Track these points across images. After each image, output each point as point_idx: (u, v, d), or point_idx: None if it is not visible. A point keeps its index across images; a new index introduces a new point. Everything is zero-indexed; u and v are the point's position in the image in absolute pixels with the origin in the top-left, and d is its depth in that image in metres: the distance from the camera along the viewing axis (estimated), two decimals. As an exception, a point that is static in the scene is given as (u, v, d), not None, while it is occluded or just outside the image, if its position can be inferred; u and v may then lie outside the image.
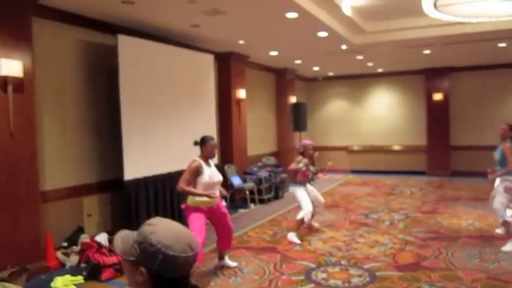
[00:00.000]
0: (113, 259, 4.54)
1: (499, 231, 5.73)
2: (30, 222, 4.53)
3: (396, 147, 12.40)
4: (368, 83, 12.68)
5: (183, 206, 4.38)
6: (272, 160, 9.96)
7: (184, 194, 4.31)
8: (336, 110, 13.17)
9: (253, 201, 8.23)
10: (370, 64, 10.64)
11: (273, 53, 8.72)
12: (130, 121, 5.64)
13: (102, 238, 5.10)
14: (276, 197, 8.84)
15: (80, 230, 5.29)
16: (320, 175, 11.84)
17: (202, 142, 4.36)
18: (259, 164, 9.48)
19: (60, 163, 5.32)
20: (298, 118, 11.08)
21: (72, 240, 5.16)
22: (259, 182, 8.39)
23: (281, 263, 4.84)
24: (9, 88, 4.33)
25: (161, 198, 6.11)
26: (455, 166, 11.56)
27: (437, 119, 11.56)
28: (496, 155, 5.31)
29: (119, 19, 5.72)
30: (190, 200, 4.26)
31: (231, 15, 5.63)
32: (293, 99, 11.44)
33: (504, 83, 11.16)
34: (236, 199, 8.26)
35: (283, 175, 9.04)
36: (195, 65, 7.08)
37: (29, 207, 4.53)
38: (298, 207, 6.01)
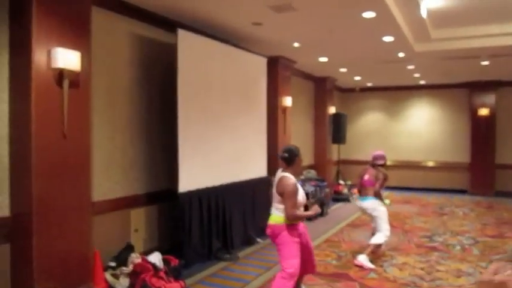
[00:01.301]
0: (175, 286, 3.92)
1: None
2: (79, 239, 3.91)
3: (434, 164, 11.75)
4: (407, 96, 12.08)
5: (272, 229, 3.73)
6: (313, 173, 9.33)
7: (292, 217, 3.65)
8: (372, 123, 12.56)
9: (298, 217, 7.58)
10: (416, 75, 10.05)
11: (322, 59, 8.16)
12: (187, 126, 5.05)
13: (156, 259, 4.49)
14: (321, 213, 8.19)
15: (130, 248, 4.67)
16: (355, 191, 11.17)
17: (293, 155, 3.74)
18: (302, 177, 8.86)
19: (109, 171, 4.73)
20: (337, 130, 10.46)
21: (121, 259, 4.54)
22: (306, 196, 7.74)
23: (364, 295, 4.20)
24: (65, 83, 3.75)
25: (214, 213, 5.48)
26: (500, 186, 10.88)
27: (482, 136, 10.91)
28: None
29: (176, 13, 5.17)
30: (285, 218, 3.64)
31: (302, 12, 5.07)
32: (332, 110, 10.85)
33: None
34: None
35: (327, 190, 8.41)
36: (249, 67, 6.51)
37: (79, 221, 3.91)
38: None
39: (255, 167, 6.68)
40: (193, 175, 5.17)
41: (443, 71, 9.38)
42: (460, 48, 7.06)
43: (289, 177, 3.63)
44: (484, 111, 10.86)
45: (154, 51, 5.32)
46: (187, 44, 5.04)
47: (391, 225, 7.26)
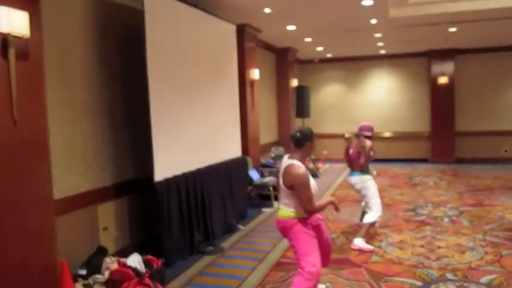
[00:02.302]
0: (167, 293, 3.29)
1: None
2: (41, 244, 3.14)
3: (396, 134, 11.71)
4: (367, 66, 11.86)
5: (282, 224, 3.18)
6: (281, 150, 8.84)
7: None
8: (333, 95, 12.25)
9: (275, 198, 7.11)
10: (380, 44, 9.77)
11: (290, 28, 7.58)
12: (160, 104, 4.32)
13: (136, 261, 3.80)
14: (295, 192, 7.77)
15: (102, 252, 3.93)
16: (320, 165, 10.91)
17: (305, 138, 3.16)
18: (272, 155, 8.36)
19: (70, 161, 3.92)
20: (301, 103, 10.01)
21: (92, 265, 3.80)
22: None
23: (377, 282, 3.79)
24: (11, 53, 2.89)
25: (193, 202, 4.83)
26: (460, 153, 11.05)
27: (442, 104, 10.95)
28: None
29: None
30: (296, 213, 3.09)
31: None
32: (295, 83, 10.37)
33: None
34: (254, 197, 7.10)
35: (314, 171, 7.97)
36: (220, 36, 5.81)
37: (40, 224, 3.14)
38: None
39: (230, 147, 6.07)
40: (170, 160, 4.48)
41: (409, 39, 9.15)
42: (435, 13, 6.77)
43: (298, 166, 3.07)
44: (443, 80, 10.87)
45: (116, 17, 4.48)
46: (156, 7, 4.26)
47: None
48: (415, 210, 6.33)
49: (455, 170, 9.97)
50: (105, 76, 4.32)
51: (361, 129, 5.16)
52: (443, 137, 11.01)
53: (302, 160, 3.17)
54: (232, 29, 6.18)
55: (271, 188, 6.93)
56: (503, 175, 9.04)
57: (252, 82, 7.54)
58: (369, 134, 5.09)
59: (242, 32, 6.99)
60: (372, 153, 5.03)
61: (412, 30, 8.17)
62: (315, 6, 6.14)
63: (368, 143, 4.98)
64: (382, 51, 11.04)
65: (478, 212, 6.13)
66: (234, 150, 6.14)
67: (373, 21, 7.21)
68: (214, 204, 5.27)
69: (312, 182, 3.12)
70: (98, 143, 4.23)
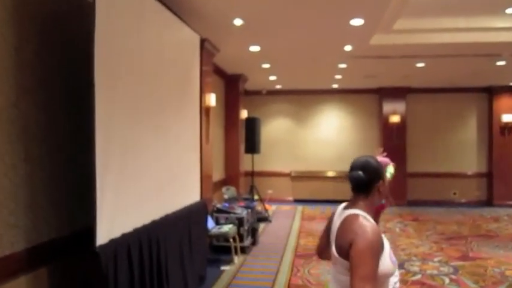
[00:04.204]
0: None
1: None
2: None
3: (345, 174, 10.98)
4: (318, 101, 11.15)
5: None
6: (233, 191, 7.58)
7: None
8: (279, 130, 11.32)
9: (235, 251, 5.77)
10: (337, 77, 9.09)
11: (254, 49, 6.52)
12: (108, 132, 2.91)
13: None
14: (254, 242, 6.50)
15: None
16: (268, 206, 9.75)
17: (374, 176, 1.96)
18: (225, 196, 7.05)
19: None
20: (251, 137, 8.87)
21: None
22: (239, 223, 5.98)
23: None
24: None
25: (148, 268, 3.37)
26: (412, 195, 10.60)
27: (394, 144, 10.48)
28: None
29: None
30: None
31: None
32: (245, 114, 9.27)
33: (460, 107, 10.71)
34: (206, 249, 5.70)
35: (263, 213, 6.79)
36: (183, 46, 4.55)
37: None
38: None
39: (189, 190, 4.70)
40: (118, 211, 3.03)
41: (370, 72, 8.57)
42: (415, 43, 6.14)
43: (364, 221, 1.85)
44: (395, 118, 10.47)
45: (51, 7, 3.05)
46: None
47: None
48: (404, 267, 5.38)
49: (412, 213, 9.38)
50: (29, 88, 2.83)
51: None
52: (395, 178, 10.43)
53: (370, 212, 1.97)
54: (196, 39, 4.95)
55: (231, 240, 5.60)
56: (464, 220, 8.58)
57: (208, 109, 6.30)
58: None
59: (201, 47, 5.78)
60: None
61: (379, 63, 7.55)
62: (295, 20, 5.16)
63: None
64: (335, 86, 10.42)
65: (473, 268, 5.35)
66: (192, 194, 4.78)
67: (348, 47, 6.42)
68: (172, 266, 3.84)
69: (387, 248, 1.90)
70: (5, 185, 2.68)
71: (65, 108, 3.12)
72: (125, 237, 3.07)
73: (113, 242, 2.90)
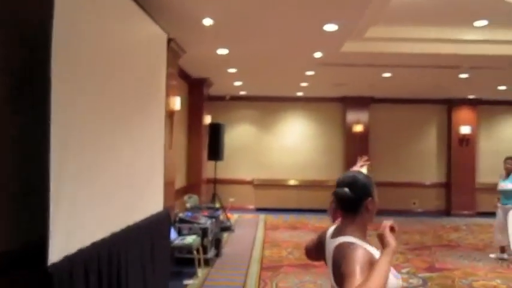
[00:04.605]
0: None
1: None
2: None
3: (308, 183, 10.89)
4: (282, 108, 11.01)
5: None
6: (196, 199, 7.25)
7: None
8: (243, 136, 11.06)
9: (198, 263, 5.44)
10: (303, 85, 8.98)
11: (222, 52, 6.26)
12: (65, 133, 2.56)
13: None
14: (218, 254, 6.20)
15: None
16: (230, 215, 9.46)
17: (362, 193, 1.77)
18: (187, 205, 6.70)
19: None
20: (215, 143, 8.58)
21: None
22: (203, 234, 5.66)
23: None
24: None
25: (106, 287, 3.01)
26: (373, 204, 10.63)
27: (357, 153, 10.48)
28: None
29: None
30: None
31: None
32: (208, 119, 8.96)
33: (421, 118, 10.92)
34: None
35: (225, 222, 6.51)
36: (150, 43, 4.22)
37: None
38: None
39: (152, 198, 4.35)
40: (74, 223, 2.67)
41: (337, 81, 8.52)
42: (386, 52, 6.11)
43: (355, 248, 1.64)
44: (358, 128, 10.50)
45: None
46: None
47: (313, 265, 5.81)
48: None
49: (374, 222, 9.36)
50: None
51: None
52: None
53: (362, 231, 1.77)
54: (163, 38, 4.63)
55: (195, 252, 5.28)
56: (425, 229, 8.65)
57: (172, 113, 5.98)
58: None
59: (167, 48, 5.46)
60: None
61: (347, 71, 7.50)
62: (268, 23, 4.95)
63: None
64: (300, 93, 10.33)
65: (441, 279, 5.31)
66: (155, 203, 4.43)
67: (318, 54, 6.30)
68: (134, 287, 3.48)
69: (392, 279, 1.70)
70: None
71: (14, 105, 2.74)
72: (81, 253, 2.70)
73: (68, 260, 2.54)
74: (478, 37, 5.70)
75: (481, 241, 7.55)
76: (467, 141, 10.44)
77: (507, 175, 6.20)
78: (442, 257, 6.43)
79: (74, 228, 2.66)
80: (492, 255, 6.32)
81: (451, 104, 10.58)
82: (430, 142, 10.92)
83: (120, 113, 3.47)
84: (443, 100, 10.60)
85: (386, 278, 1.53)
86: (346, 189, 1.77)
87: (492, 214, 7.68)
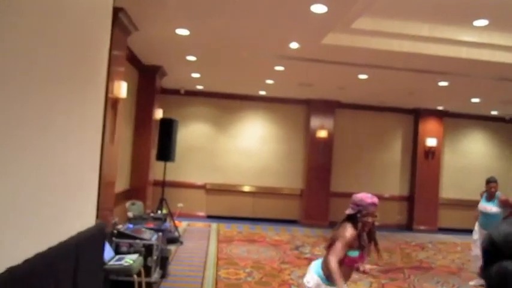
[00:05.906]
0: None
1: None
2: None
3: (266, 190, 10.03)
4: (241, 107, 10.07)
5: None
6: (140, 207, 6.13)
7: None
8: (196, 136, 10.00)
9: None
10: (269, 82, 8.11)
11: (181, 32, 5.24)
12: None
13: None
14: (163, 275, 5.14)
15: None
16: (178, 223, 8.38)
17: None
18: (130, 214, 5.57)
19: None
20: (165, 142, 7.47)
21: None
22: (147, 252, 4.59)
23: None
24: None
25: None
26: (334, 216, 9.92)
27: (319, 160, 9.79)
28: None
29: None
30: None
31: None
32: (160, 114, 7.86)
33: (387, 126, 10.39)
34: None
35: (172, 232, 5.44)
36: (90, 13, 3.11)
37: None
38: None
39: (80, 208, 3.25)
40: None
41: (306, 80, 7.72)
42: (370, 48, 5.35)
43: None
44: (322, 134, 9.78)
45: None
46: None
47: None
48: (350, 312, 4.45)
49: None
50: None
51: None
52: (317, 197, 9.77)
53: None
54: (108, 5, 3.53)
55: (135, 276, 4.19)
56: (391, 246, 8.04)
57: (116, 101, 4.88)
58: (351, 211, 3.07)
59: (114, 19, 4.36)
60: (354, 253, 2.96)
61: (320, 69, 6.70)
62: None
63: (349, 233, 2.92)
64: (262, 92, 9.45)
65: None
66: (84, 216, 3.33)
67: (294, 45, 5.44)
68: None
69: None
70: None
71: None
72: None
73: None
74: (476, 39, 5.08)
75: (452, 263, 7.00)
76: (432, 154, 10.02)
77: (490, 197, 5.65)
78: (418, 282, 5.76)
79: None
80: (472, 283, 5.73)
81: (418, 114, 10.13)
82: (395, 153, 10.42)
83: (43, 94, 2.38)
84: (410, 110, 10.15)
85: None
86: None
87: (453, 231, 7.10)
